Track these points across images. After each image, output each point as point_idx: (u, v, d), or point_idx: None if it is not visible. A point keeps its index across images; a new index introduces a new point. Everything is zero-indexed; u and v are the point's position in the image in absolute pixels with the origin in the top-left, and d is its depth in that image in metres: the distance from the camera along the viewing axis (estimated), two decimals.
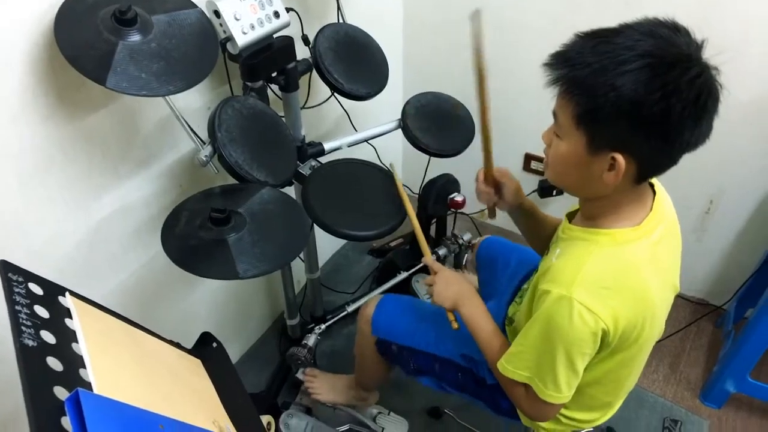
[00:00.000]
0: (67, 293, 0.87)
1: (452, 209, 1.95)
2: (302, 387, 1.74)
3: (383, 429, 1.69)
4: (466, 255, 2.07)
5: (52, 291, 0.85)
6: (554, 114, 0.91)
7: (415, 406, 1.79)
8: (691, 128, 0.81)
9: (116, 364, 0.83)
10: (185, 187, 1.47)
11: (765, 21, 1.54)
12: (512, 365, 1.02)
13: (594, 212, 0.98)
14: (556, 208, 2.14)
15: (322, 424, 1.66)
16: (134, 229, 1.39)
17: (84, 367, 0.77)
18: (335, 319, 1.81)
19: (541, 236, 1.29)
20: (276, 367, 1.87)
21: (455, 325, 1.16)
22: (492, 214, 1.35)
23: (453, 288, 1.18)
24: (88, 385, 0.74)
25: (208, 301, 1.75)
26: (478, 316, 1.14)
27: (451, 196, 1.91)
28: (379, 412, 1.72)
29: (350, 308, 1.84)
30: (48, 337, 0.76)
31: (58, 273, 1.24)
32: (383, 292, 1.90)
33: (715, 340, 1.99)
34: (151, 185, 1.39)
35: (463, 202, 1.92)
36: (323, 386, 1.70)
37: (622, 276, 0.92)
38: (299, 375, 1.74)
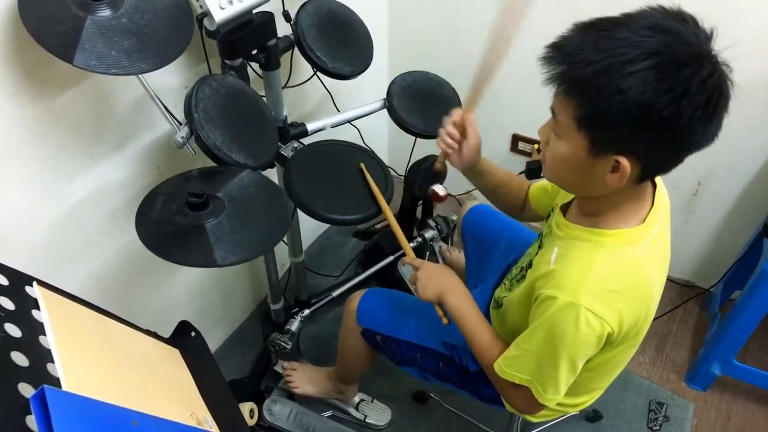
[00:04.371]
0: (34, 283, 0.82)
1: (434, 202, 1.90)
2: (282, 382, 1.72)
3: (366, 416, 1.67)
4: (452, 235, 2.05)
5: (19, 280, 0.81)
6: (552, 111, 0.86)
7: (400, 390, 1.77)
8: (701, 130, 0.77)
9: (87, 357, 0.79)
10: (163, 170, 1.42)
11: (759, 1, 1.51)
12: (512, 369, 0.99)
13: (594, 210, 0.94)
14: None
15: (306, 410, 1.64)
16: (110, 213, 1.34)
17: (52, 361, 0.73)
18: (319, 304, 1.78)
19: (503, 198, 1.27)
20: (259, 352, 1.84)
21: (445, 320, 1.13)
22: (442, 166, 1.28)
23: (436, 280, 1.15)
24: (56, 381, 0.70)
25: (190, 286, 1.71)
26: (464, 307, 1.11)
27: (432, 187, 1.87)
28: (362, 400, 1.70)
29: (335, 293, 1.81)
30: (13, 330, 0.72)
31: (29, 259, 1.20)
32: (369, 276, 1.88)
33: (701, 322, 1.99)
34: (126, 167, 1.34)
35: (445, 197, 1.88)
36: (302, 379, 1.68)
37: (629, 277, 0.90)
38: (278, 368, 1.71)
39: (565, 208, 1.05)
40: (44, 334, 0.76)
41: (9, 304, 0.75)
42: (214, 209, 1.05)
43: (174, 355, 1.01)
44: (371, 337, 1.38)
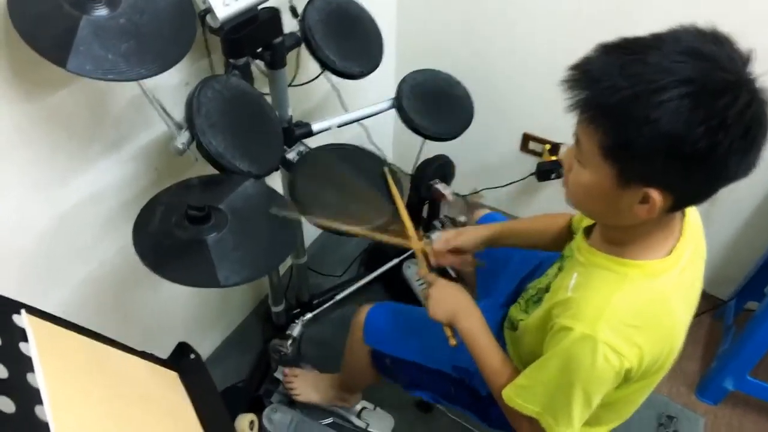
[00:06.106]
0: (23, 311, 0.76)
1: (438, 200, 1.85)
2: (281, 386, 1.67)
3: (368, 425, 1.63)
4: None
5: (5, 308, 0.75)
6: (576, 138, 0.80)
7: (403, 398, 1.70)
8: (738, 162, 0.71)
9: (79, 394, 0.74)
10: (161, 171, 1.35)
11: None
12: (522, 398, 0.94)
13: (619, 239, 0.88)
14: (553, 190, 2.06)
15: (306, 419, 1.59)
16: (105, 216, 1.28)
17: (41, 402, 0.67)
18: (321, 308, 1.72)
19: (540, 244, 1.22)
20: (258, 354, 1.79)
21: (453, 342, 1.08)
22: (479, 264, 1.30)
23: (449, 301, 1.10)
24: (45, 427, 0.65)
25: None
26: (476, 332, 1.05)
27: (437, 186, 1.81)
28: (364, 407, 1.65)
29: (338, 297, 1.75)
30: None
31: (19, 266, 1.15)
32: (373, 280, 1.83)
33: (713, 332, 1.94)
34: (123, 169, 1.27)
35: (447, 195, 1.82)
36: (304, 386, 1.63)
37: (651, 312, 0.84)
38: (278, 374, 1.66)
39: (588, 231, 0.99)
40: (32, 371, 0.70)
41: None
42: (216, 223, 0.99)
43: (172, 378, 0.95)
44: (380, 361, 1.33)
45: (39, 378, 0.69)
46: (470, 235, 1.23)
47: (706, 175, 0.72)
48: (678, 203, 0.78)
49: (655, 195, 0.74)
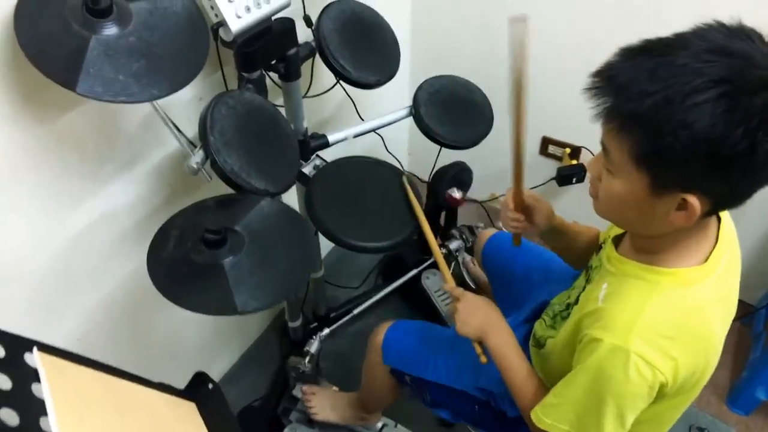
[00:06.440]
0: (34, 349, 0.73)
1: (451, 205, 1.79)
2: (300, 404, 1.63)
3: None
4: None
5: (17, 348, 0.71)
6: (603, 146, 0.76)
7: (425, 413, 1.66)
8: None
9: None
10: (175, 187, 1.32)
11: None
12: (550, 418, 0.89)
13: (651, 247, 0.84)
14: (574, 195, 2.01)
15: None
16: (119, 236, 1.25)
17: None
18: (339, 323, 1.69)
19: (575, 251, 1.17)
20: (276, 371, 1.75)
21: (483, 359, 1.04)
22: (518, 241, 1.23)
23: (478, 317, 1.06)
24: None
25: None
26: (508, 350, 1.02)
27: (448, 191, 1.76)
28: (385, 425, 1.61)
29: (355, 311, 1.71)
30: (10, 417, 0.62)
31: (30, 291, 1.12)
32: (391, 292, 1.79)
33: (743, 338, 1.88)
34: (136, 188, 1.25)
35: (462, 200, 1.76)
36: (322, 404, 1.58)
37: (686, 323, 0.80)
38: (296, 392, 1.62)
39: (617, 240, 0.95)
40: (45, 415, 0.66)
41: (6, 383, 0.65)
42: (232, 246, 0.96)
43: (190, 410, 0.92)
44: (400, 378, 1.29)
45: (52, 423, 0.66)
46: (547, 209, 1.13)
47: (746, 176, 0.69)
48: (715, 207, 0.75)
49: (693, 200, 0.71)
